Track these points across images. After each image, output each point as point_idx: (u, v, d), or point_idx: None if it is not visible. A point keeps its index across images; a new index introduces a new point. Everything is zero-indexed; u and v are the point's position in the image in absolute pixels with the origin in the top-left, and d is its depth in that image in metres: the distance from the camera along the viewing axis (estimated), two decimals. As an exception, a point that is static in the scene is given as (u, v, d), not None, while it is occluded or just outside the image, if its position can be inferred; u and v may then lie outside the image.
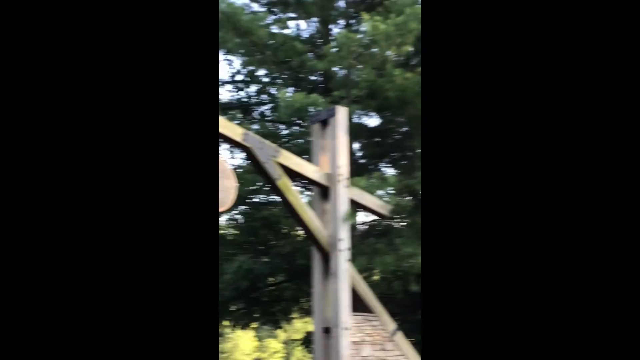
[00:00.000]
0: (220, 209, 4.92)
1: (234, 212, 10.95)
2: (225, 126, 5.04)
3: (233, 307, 11.06)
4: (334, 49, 8.26)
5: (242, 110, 11.17)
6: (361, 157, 10.11)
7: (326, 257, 5.97)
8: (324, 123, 6.27)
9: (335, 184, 6.03)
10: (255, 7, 10.67)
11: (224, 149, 11.03)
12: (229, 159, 10.83)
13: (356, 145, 9.68)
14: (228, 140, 5.17)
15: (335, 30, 9.98)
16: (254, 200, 10.79)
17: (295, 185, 7.04)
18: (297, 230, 9.95)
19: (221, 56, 11.29)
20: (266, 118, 11.19)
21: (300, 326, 21.31)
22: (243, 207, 10.67)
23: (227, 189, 4.89)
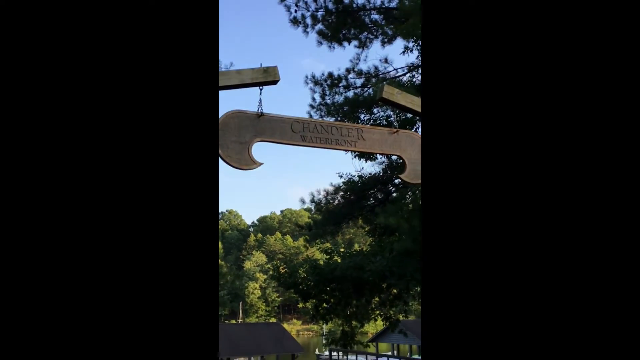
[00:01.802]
0: (420, 180, 4.86)
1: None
2: (420, 104, 4.94)
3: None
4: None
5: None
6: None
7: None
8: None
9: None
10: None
11: (419, 127, 10.94)
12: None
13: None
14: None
15: None
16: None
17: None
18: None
19: (411, 44, 11.20)
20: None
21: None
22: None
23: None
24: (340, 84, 12.20)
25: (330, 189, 13.53)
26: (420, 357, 23.14)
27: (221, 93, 4.03)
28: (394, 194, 12.58)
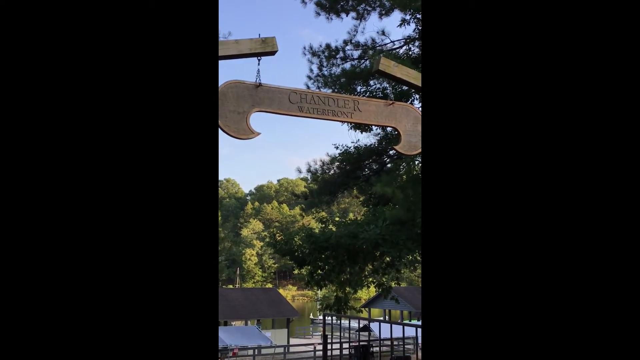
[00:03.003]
0: (414, 152, 4.86)
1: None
2: (416, 77, 4.91)
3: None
4: None
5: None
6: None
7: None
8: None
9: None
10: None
11: (414, 99, 10.88)
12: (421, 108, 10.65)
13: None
14: (419, 89, 5.04)
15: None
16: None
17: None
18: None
19: (408, 16, 11.04)
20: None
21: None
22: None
23: (419, 133, 4.79)
24: (338, 56, 12.08)
25: (326, 159, 13.53)
26: (410, 322, 23.51)
27: (219, 63, 3.99)
28: (389, 165, 12.59)
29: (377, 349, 14.77)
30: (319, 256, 11.68)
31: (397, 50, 11.82)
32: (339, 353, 13.14)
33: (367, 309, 31.47)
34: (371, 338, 16.83)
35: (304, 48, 12.41)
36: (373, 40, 11.93)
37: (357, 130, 12.04)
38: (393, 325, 13.65)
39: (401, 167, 11.98)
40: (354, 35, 12.08)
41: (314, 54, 12.23)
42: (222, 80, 3.97)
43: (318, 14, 11.85)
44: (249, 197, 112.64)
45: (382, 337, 14.58)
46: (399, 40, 11.92)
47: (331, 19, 11.89)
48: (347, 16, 11.87)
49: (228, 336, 22.08)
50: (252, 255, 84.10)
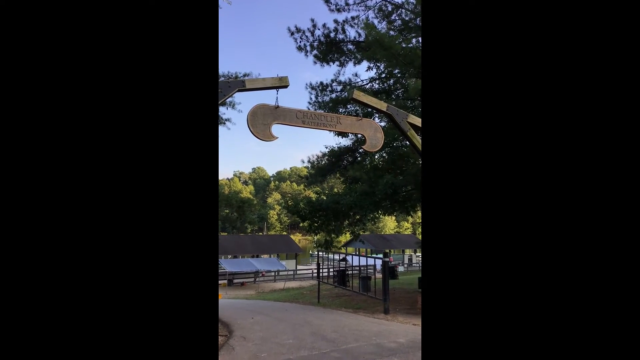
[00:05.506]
0: (374, 149, 4.83)
1: (383, 152, 10.81)
2: (376, 102, 4.86)
3: (383, 204, 11.14)
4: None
5: (386, 94, 10.86)
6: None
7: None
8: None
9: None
10: (392, 32, 10.10)
11: (375, 117, 10.79)
12: (379, 122, 10.58)
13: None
14: (378, 110, 4.99)
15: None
16: (394, 144, 10.55)
17: (418, 135, 6.66)
18: (419, 160, 9.53)
19: (372, 64, 10.90)
20: (400, 97, 10.72)
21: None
22: (387, 148, 10.53)
23: (378, 138, 4.77)
24: (327, 89, 12.01)
25: (320, 154, 13.47)
26: (371, 256, 23.67)
27: (251, 93, 4.00)
28: (359, 158, 12.59)
29: (351, 272, 14.88)
30: (315, 215, 11.68)
31: (365, 85, 11.73)
32: (327, 274, 13.23)
33: (345, 247, 31.61)
34: (347, 265, 16.94)
35: (306, 84, 12.26)
36: (350, 79, 11.85)
37: (339, 136, 11.99)
38: (360, 258, 13.72)
39: (367, 159, 11.97)
40: (338, 76, 12.08)
41: (312, 87, 12.15)
42: (253, 104, 4.01)
43: (315, 62, 11.75)
44: (272, 178, 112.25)
45: (353, 264, 14.62)
46: (365, 79, 11.84)
47: (323, 65, 11.77)
48: (334, 64, 11.77)
49: (258, 264, 22.21)
50: (274, 214, 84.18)
